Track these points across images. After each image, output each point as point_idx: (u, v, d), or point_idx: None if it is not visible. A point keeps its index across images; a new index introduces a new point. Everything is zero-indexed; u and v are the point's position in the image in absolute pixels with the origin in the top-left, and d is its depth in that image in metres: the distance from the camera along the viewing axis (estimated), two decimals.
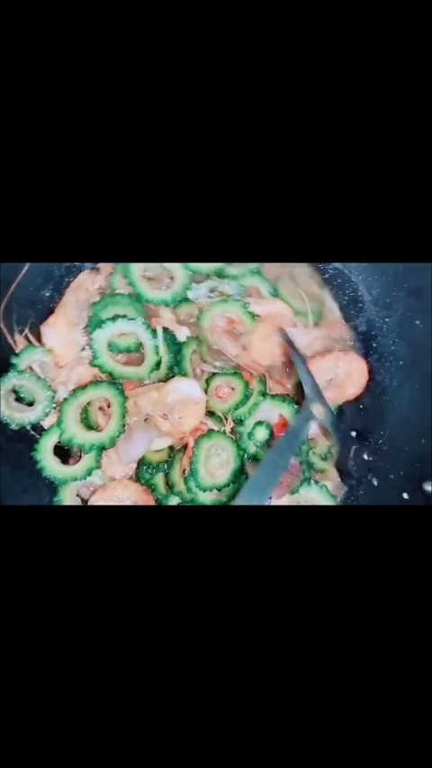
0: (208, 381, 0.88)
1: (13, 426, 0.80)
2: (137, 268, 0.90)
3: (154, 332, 0.86)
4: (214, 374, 0.89)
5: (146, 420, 0.84)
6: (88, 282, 0.91)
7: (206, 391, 0.87)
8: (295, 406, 0.87)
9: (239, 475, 0.84)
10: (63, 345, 0.86)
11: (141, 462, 0.84)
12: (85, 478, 0.81)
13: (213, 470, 0.83)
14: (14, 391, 0.82)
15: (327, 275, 1.01)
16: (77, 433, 0.79)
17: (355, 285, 0.99)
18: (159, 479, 0.84)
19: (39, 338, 0.87)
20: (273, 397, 0.88)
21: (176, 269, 0.92)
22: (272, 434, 0.87)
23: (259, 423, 0.87)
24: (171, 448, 0.86)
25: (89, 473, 0.80)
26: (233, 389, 0.88)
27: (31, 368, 0.84)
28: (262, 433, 0.86)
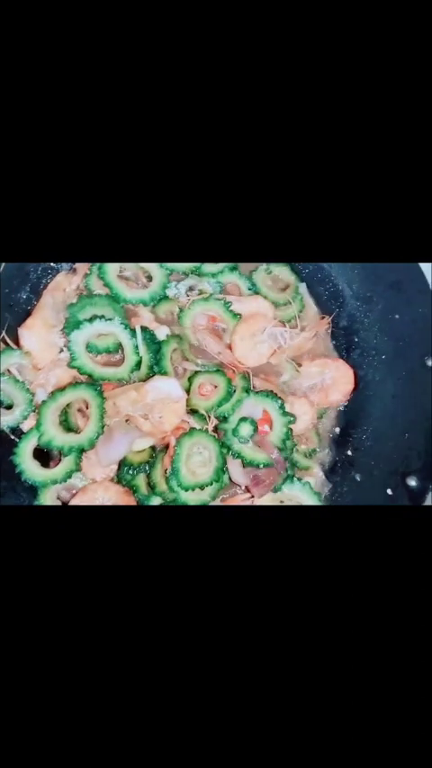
0: (190, 380, 0.87)
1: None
2: (112, 268, 0.89)
3: (133, 331, 0.85)
4: (197, 372, 0.88)
5: (126, 421, 0.83)
6: (65, 283, 0.90)
7: (188, 390, 0.86)
8: (279, 401, 0.86)
9: (222, 473, 0.83)
10: (41, 347, 0.85)
11: (122, 463, 0.83)
12: (65, 481, 0.80)
13: (195, 469, 0.82)
14: None
15: (306, 271, 1.00)
16: (56, 436, 0.78)
17: (335, 280, 0.99)
18: (141, 480, 0.83)
19: (16, 341, 0.86)
20: (257, 393, 0.87)
21: (153, 268, 0.91)
22: (256, 430, 0.86)
23: (243, 419, 0.86)
24: (153, 448, 0.85)
25: (69, 476, 0.79)
26: (216, 387, 0.87)
27: (8, 371, 0.83)
28: (246, 429, 0.85)
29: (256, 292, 0.95)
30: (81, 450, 0.79)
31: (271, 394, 0.87)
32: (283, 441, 0.85)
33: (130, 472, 0.82)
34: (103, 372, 0.83)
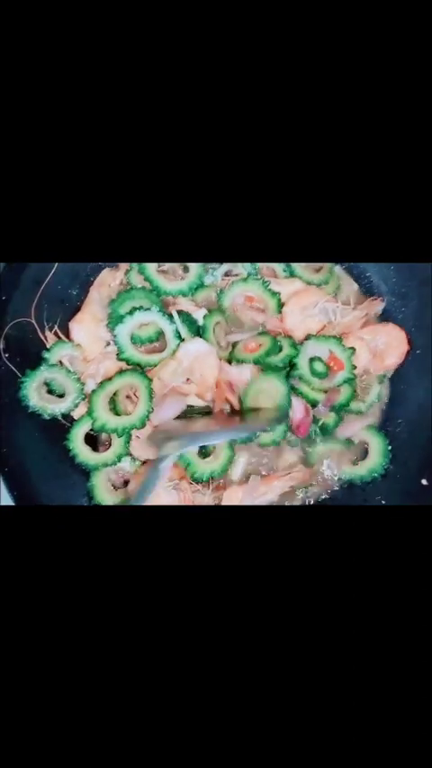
0: (234, 345, 0.91)
1: (45, 416, 0.85)
2: (152, 264, 0.93)
3: (171, 317, 0.89)
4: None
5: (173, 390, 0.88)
6: (110, 279, 0.96)
7: (233, 353, 0.90)
8: (338, 339, 0.90)
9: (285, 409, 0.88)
10: (90, 340, 0.91)
11: None
12: (116, 464, 0.85)
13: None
14: (46, 384, 0.87)
15: (342, 267, 1.03)
16: (109, 420, 0.84)
17: (371, 276, 1.01)
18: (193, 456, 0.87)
19: (68, 334, 0.92)
20: (315, 337, 0.90)
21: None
22: (327, 367, 0.89)
23: (313, 358, 0.89)
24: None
25: (119, 459, 0.84)
26: (260, 345, 0.90)
27: (60, 362, 0.89)
28: (320, 365, 0.89)
29: (291, 273, 0.97)
30: (134, 429, 0.84)
31: (327, 336, 0.90)
32: (352, 370, 0.89)
33: None
34: (149, 359, 0.88)
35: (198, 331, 0.90)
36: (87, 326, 0.92)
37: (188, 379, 0.87)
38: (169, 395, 0.86)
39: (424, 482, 0.88)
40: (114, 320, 0.89)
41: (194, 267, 0.95)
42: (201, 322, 0.91)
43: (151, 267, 0.93)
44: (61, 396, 0.88)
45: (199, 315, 0.91)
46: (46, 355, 0.87)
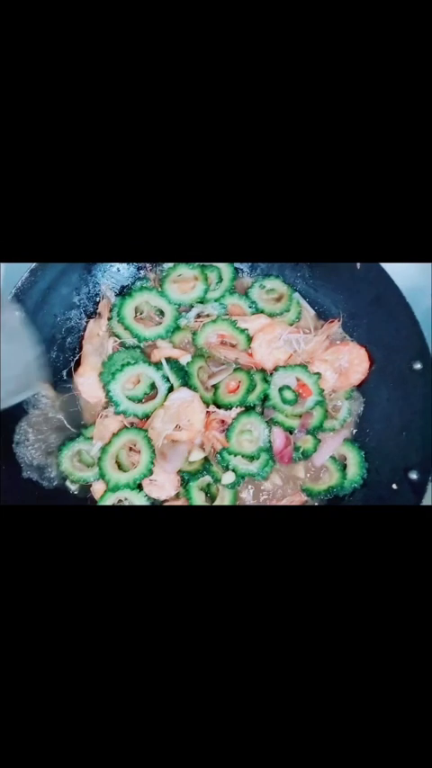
0: (216, 387, 1.00)
1: (70, 482, 0.96)
2: (129, 313, 1.02)
3: (158, 366, 0.97)
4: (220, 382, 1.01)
5: (168, 440, 0.97)
6: (96, 329, 1.03)
7: (216, 399, 0.99)
8: (303, 367, 0.99)
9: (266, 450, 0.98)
10: (97, 391, 1.00)
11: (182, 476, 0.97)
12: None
13: (244, 444, 0.96)
14: (78, 453, 0.98)
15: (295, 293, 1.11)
16: (120, 478, 0.93)
17: (322, 301, 1.09)
18: (193, 488, 0.96)
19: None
20: (282, 367, 1.00)
21: (163, 304, 1.03)
22: (297, 394, 0.98)
23: (282, 388, 0.99)
24: (206, 459, 0.98)
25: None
26: (239, 382, 1.00)
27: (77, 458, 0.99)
28: (289, 394, 0.98)
29: (257, 308, 1.06)
30: (144, 477, 0.93)
31: (293, 365, 1.00)
32: (320, 393, 0.98)
33: (190, 481, 0.96)
34: (145, 409, 0.96)
35: (185, 373, 0.98)
36: (91, 377, 1.00)
37: (178, 426, 0.95)
38: (168, 445, 0.95)
39: (394, 486, 0.96)
40: (105, 379, 0.97)
41: (169, 311, 1.02)
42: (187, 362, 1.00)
43: (129, 317, 1.01)
44: (90, 465, 0.98)
45: (185, 360, 1.00)
46: (84, 431, 0.98)
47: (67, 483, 0.98)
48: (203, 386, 0.99)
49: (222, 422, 0.97)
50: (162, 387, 0.97)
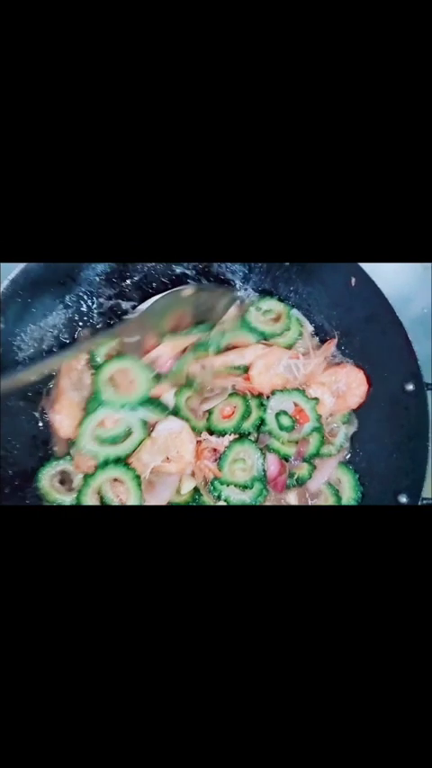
0: (210, 413, 0.96)
1: (46, 502, 0.91)
2: (105, 373, 0.94)
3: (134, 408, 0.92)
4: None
5: (155, 472, 0.93)
6: (75, 363, 0.97)
7: (209, 426, 0.95)
8: (300, 391, 0.97)
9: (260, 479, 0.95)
10: (74, 426, 0.94)
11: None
12: None
13: (237, 473, 0.94)
14: (60, 474, 0.93)
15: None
16: None
17: (315, 317, 1.06)
18: None
19: None
20: (279, 391, 0.97)
21: (137, 373, 0.94)
22: (294, 420, 0.96)
23: (278, 413, 0.96)
24: (196, 489, 0.95)
25: None
26: (234, 408, 0.97)
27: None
28: (286, 420, 0.96)
29: (258, 332, 1.01)
30: None
31: (290, 390, 0.97)
32: (318, 419, 0.97)
33: None
34: (116, 452, 0.91)
35: (171, 412, 0.94)
36: (68, 413, 0.94)
37: (167, 458, 0.92)
38: (156, 476, 0.91)
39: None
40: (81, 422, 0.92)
41: (143, 381, 0.93)
42: (172, 402, 0.95)
43: (103, 374, 0.93)
44: (70, 488, 0.93)
45: (169, 397, 0.95)
46: (71, 450, 0.92)
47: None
48: (195, 413, 0.96)
49: (214, 450, 0.94)
50: (139, 433, 0.92)
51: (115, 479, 0.91)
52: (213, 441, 0.95)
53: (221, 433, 0.94)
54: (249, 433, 0.96)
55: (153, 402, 0.93)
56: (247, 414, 0.95)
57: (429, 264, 1.23)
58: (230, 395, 0.97)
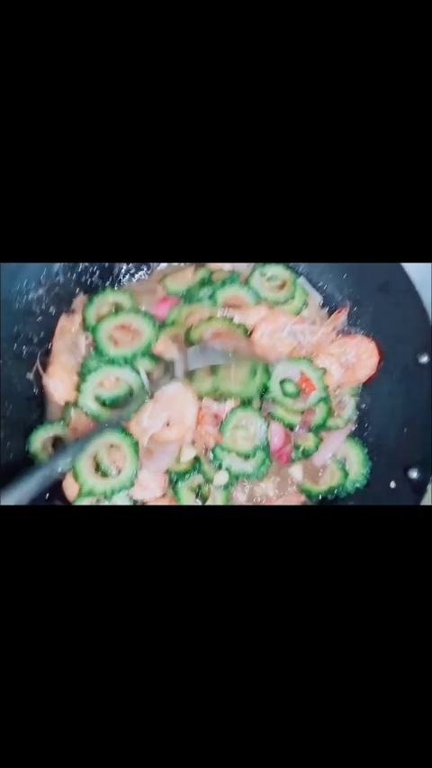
0: (215, 374, 0.91)
1: (37, 464, 0.85)
2: (104, 330, 0.91)
3: (138, 372, 0.89)
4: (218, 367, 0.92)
5: (154, 441, 0.89)
6: (69, 325, 0.93)
7: (216, 382, 0.90)
8: (308, 360, 0.92)
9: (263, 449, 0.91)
10: (68, 391, 0.91)
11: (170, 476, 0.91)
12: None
13: (239, 441, 0.90)
14: (53, 438, 0.90)
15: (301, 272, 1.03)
16: (96, 484, 0.84)
17: (325, 287, 1.02)
18: (181, 488, 0.90)
19: None
20: (287, 359, 0.93)
21: (141, 324, 0.92)
22: (299, 388, 0.92)
23: (283, 380, 0.92)
24: (197, 458, 0.91)
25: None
26: (239, 368, 0.91)
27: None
28: (290, 386, 0.92)
29: (260, 298, 0.97)
30: (123, 490, 0.85)
31: (298, 358, 0.93)
32: (324, 389, 0.92)
33: (178, 482, 0.89)
34: (120, 415, 0.86)
35: (173, 374, 0.90)
36: (61, 377, 0.91)
37: (168, 424, 0.88)
38: (154, 447, 0.87)
39: (393, 485, 0.93)
40: (80, 381, 0.89)
41: (146, 332, 0.91)
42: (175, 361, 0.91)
43: (103, 331, 0.90)
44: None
45: (170, 356, 0.91)
46: (66, 412, 0.89)
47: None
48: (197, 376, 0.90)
49: (216, 416, 0.90)
50: (141, 396, 0.88)
51: (111, 446, 0.87)
52: (215, 407, 0.90)
53: (226, 396, 0.90)
54: (252, 401, 0.92)
55: (156, 358, 0.90)
56: (252, 375, 0.90)
57: None
58: (233, 355, 0.92)
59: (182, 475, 0.89)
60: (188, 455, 0.89)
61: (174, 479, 0.89)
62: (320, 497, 0.95)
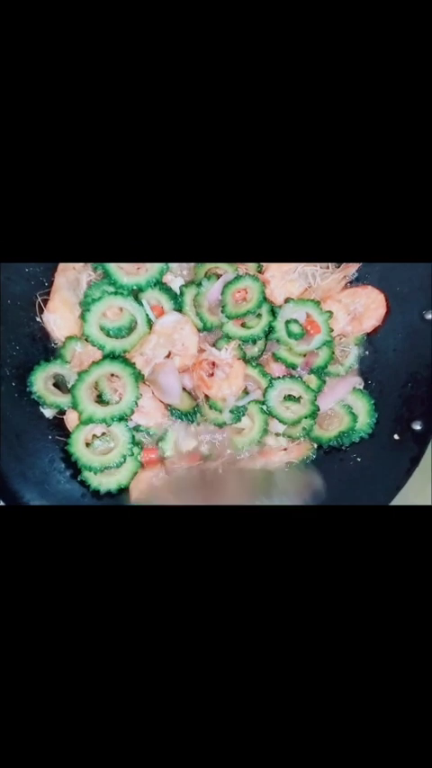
0: (223, 303, 0.91)
1: (44, 407, 0.88)
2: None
3: (141, 303, 0.89)
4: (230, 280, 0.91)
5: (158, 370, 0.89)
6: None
7: (225, 308, 0.91)
8: (316, 302, 0.93)
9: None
10: (67, 327, 0.90)
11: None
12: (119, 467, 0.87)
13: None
14: (54, 377, 0.89)
15: None
16: (95, 411, 0.84)
17: None
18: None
19: None
20: (293, 301, 0.93)
21: None
22: (303, 329, 0.92)
23: (288, 321, 0.92)
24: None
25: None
26: (246, 289, 0.91)
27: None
28: (296, 327, 0.92)
29: None
30: (123, 418, 0.86)
31: (305, 300, 0.93)
32: (329, 333, 0.93)
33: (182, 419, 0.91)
34: (122, 345, 0.88)
35: (178, 303, 0.91)
36: (62, 314, 0.90)
37: (169, 353, 0.89)
38: (158, 369, 0.88)
39: (396, 437, 0.95)
40: (84, 309, 0.88)
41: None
42: (178, 288, 0.91)
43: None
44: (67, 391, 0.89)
45: (176, 284, 0.91)
46: (62, 351, 0.88)
47: (42, 409, 0.90)
48: (205, 308, 0.91)
49: (212, 364, 0.90)
50: (142, 326, 0.88)
51: (113, 375, 0.87)
52: (215, 353, 0.90)
53: (240, 317, 0.90)
54: (254, 358, 0.93)
55: (166, 288, 0.90)
56: (261, 296, 0.90)
57: None
58: (239, 277, 0.91)
59: (183, 414, 0.90)
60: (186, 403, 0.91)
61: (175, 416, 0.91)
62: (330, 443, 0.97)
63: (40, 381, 0.87)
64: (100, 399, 0.87)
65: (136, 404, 0.85)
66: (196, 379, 0.91)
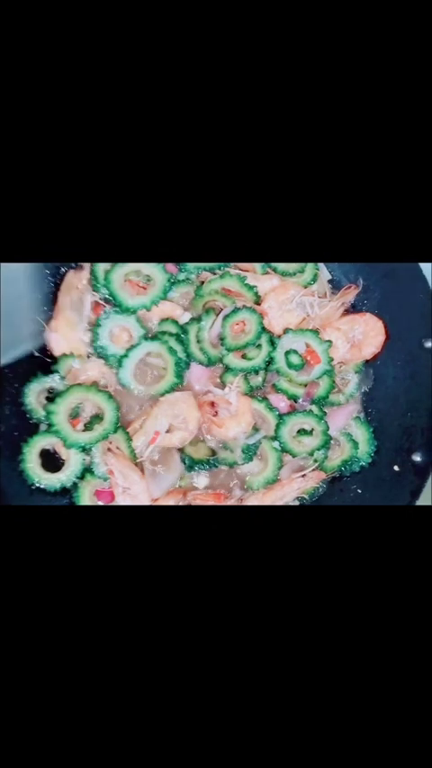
0: (223, 337, 0.91)
1: (34, 420, 0.87)
2: (117, 278, 0.91)
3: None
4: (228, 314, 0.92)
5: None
6: (76, 281, 0.92)
7: (225, 342, 0.91)
8: (315, 332, 0.92)
9: None
10: (70, 347, 0.90)
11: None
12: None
13: None
14: (48, 391, 0.89)
15: None
16: (79, 438, 0.85)
17: (332, 271, 1.03)
18: None
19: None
20: (293, 330, 0.92)
21: (155, 272, 0.92)
22: (303, 360, 0.91)
23: (288, 351, 0.91)
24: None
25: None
26: (245, 324, 0.91)
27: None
28: (295, 358, 0.91)
29: (270, 267, 0.97)
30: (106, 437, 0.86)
31: (304, 330, 0.92)
32: (329, 362, 0.91)
33: (195, 468, 0.90)
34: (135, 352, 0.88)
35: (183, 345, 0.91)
36: (65, 334, 0.90)
37: (170, 427, 0.88)
38: (162, 459, 0.89)
39: (396, 468, 0.91)
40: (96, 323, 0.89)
41: (159, 280, 0.92)
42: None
43: (116, 281, 0.91)
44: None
45: (184, 319, 0.92)
46: (56, 367, 0.89)
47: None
48: (209, 342, 0.91)
49: (212, 405, 0.89)
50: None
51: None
52: (217, 393, 0.90)
53: (240, 349, 0.90)
54: (255, 390, 0.93)
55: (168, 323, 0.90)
56: (259, 327, 0.90)
57: None
58: (237, 309, 0.91)
59: (197, 462, 0.89)
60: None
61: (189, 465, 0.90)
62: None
63: (33, 395, 0.87)
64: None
65: (117, 423, 0.86)
66: (206, 421, 0.90)
